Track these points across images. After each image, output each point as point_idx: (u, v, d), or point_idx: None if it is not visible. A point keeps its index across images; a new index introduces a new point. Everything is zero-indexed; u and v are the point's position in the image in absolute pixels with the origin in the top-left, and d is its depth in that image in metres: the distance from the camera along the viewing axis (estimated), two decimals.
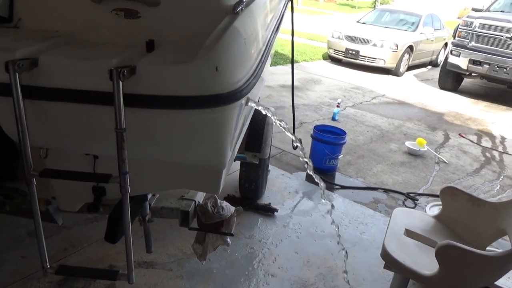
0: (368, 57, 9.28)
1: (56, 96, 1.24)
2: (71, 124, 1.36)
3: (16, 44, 1.29)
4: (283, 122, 1.70)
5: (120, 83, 1.16)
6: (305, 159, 1.82)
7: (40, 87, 1.24)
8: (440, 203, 2.73)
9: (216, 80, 1.27)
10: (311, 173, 1.90)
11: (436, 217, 2.28)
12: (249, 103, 1.52)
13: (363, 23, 10.60)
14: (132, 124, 1.26)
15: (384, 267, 2.03)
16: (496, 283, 2.04)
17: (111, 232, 1.71)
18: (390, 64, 9.22)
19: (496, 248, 2.31)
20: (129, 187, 1.34)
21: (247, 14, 1.58)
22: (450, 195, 2.22)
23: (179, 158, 1.45)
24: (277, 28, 2.23)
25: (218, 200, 2.16)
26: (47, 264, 1.47)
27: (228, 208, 2.16)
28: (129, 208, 1.77)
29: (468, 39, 7.53)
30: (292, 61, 3.48)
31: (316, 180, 1.98)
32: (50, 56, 1.26)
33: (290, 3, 3.01)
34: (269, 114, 1.65)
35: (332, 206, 2.50)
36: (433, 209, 2.62)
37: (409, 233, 2.14)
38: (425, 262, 1.91)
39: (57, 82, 1.24)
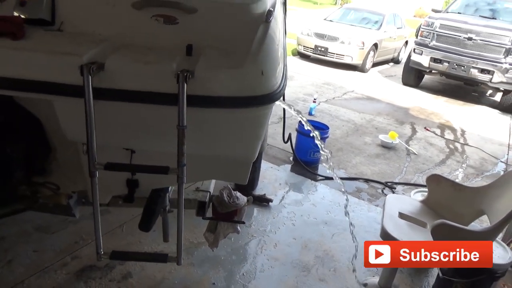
0: (337, 54, 9.66)
1: (121, 97, 1.37)
2: (130, 122, 1.48)
3: (78, 48, 1.40)
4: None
5: (185, 85, 1.31)
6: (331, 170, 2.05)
7: (106, 88, 1.36)
8: (421, 189, 3.07)
9: (262, 83, 1.45)
10: (339, 181, 2.14)
11: (423, 202, 2.58)
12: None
13: (331, 20, 10.97)
14: (189, 122, 1.41)
15: None
16: None
17: (146, 222, 1.85)
18: (357, 61, 9.65)
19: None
20: (185, 178, 1.49)
21: (274, 21, 1.75)
22: (435, 182, 2.53)
23: (221, 152, 1.61)
24: (285, 32, 2.42)
25: (233, 191, 2.34)
26: (101, 250, 1.59)
27: (242, 198, 2.34)
28: (161, 199, 1.93)
29: (429, 38, 8.07)
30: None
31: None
32: (117, 61, 1.38)
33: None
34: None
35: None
36: (417, 195, 2.93)
37: (402, 215, 2.42)
38: (418, 239, 2.19)
39: (122, 84, 1.37)
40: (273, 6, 1.83)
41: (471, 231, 2.04)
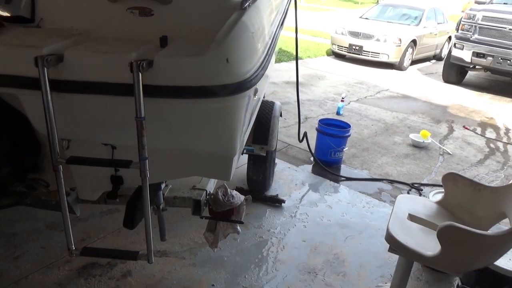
0: (372, 52, 9.33)
1: (80, 89, 1.35)
2: (94, 114, 1.46)
3: (42, 41, 1.40)
4: None
5: (140, 74, 1.26)
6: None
7: (65, 80, 1.34)
8: (443, 190, 2.82)
9: (227, 71, 1.36)
10: None
11: (439, 203, 2.36)
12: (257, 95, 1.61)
13: (366, 18, 10.63)
14: (151, 113, 1.36)
15: (389, 250, 2.10)
16: (497, 264, 2.12)
17: (129, 219, 1.82)
18: (393, 58, 9.26)
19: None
20: (148, 172, 1.43)
21: (254, 9, 1.67)
22: (452, 181, 2.30)
23: (193, 145, 1.55)
24: (281, 24, 2.32)
25: (228, 189, 2.26)
26: (73, 246, 1.58)
27: (238, 197, 2.25)
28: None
29: (471, 31, 7.56)
30: (297, 57, 3.57)
31: None
32: (75, 51, 1.37)
33: None
34: None
35: None
36: (437, 196, 2.69)
37: (412, 217, 2.22)
38: (428, 244, 1.99)
39: (81, 75, 1.34)
40: None
41: (484, 236, 1.82)
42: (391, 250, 2.11)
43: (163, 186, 2.15)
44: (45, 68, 1.28)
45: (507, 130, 5.88)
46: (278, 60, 8.66)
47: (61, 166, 1.47)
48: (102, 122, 1.49)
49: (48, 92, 1.30)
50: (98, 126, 1.51)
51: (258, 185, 3.32)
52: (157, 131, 1.44)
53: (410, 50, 9.53)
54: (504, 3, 7.96)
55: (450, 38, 11.39)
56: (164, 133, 1.49)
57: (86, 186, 1.85)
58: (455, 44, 7.86)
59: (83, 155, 1.61)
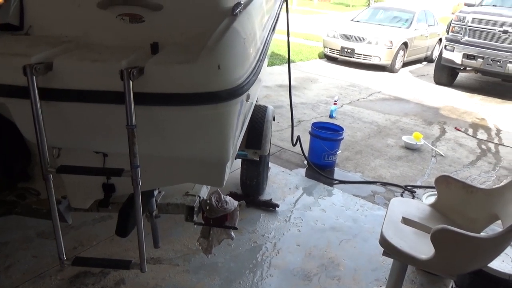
0: (364, 55, 9.38)
1: (70, 97, 1.33)
2: (84, 123, 1.44)
3: (31, 49, 1.38)
4: None
5: (130, 82, 1.25)
6: None
7: (55, 89, 1.33)
8: (436, 192, 2.83)
9: (219, 78, 1.36)
10: None
11: (432, 205, 2.37)
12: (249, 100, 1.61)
13: (358, 21, 10.70)
14: (142, 121, 1.34)
15: (383, 254, 2.10)
16: (490, 266, 2.13)
17: (122, 227, 1.80)
18: (385, 61, 9.31)
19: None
20: (140, 180, 1.42)
21: (245, 15, 1.67)
22: (445, 184, 2.31)
23: (185, 153, 1.54)
24: (273, 28, 2.32)
25: (222, 195, 2.25)
26: (64, 256, 1.56)
27: (232, 202, 2.24)
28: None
29: (461, 33, 7.64)
30: (289, 60, 3.57)
31: None
32: (64, 60, 1.35)
33: (285, 3, 3.10)
34: None
35: None
36: (430, 198, 2.70)
37: (406, 220, 2.23)
38: (422, 248, 1.99)
39: (70, 84, 1.33)
40: None
41: (477, 238, 1.82)
42: (385, 253, 2.12)
43: (155, 193, 2.14)
44: (34, 77, 1.26)
45: (498, 131, 5.94)
46: (271, 64, 8.68)
47: (51, 175, 1.45)
48: (93, 131, 1.47)
49: (37, 101, 1.29)
50: (89, 135, 1.49)
51: (252, 190, 3.31)
52: (149, 138, 1.43)
53: (401, 52, 9.59)
54: (493, 5, 8.06)
55: (440, 40, 11.51)
56: (156, 141, 1.48)
57: (78, 194, 1.83)
58: (445, 46, 7.94)
59: (75, 163, 1.60)
